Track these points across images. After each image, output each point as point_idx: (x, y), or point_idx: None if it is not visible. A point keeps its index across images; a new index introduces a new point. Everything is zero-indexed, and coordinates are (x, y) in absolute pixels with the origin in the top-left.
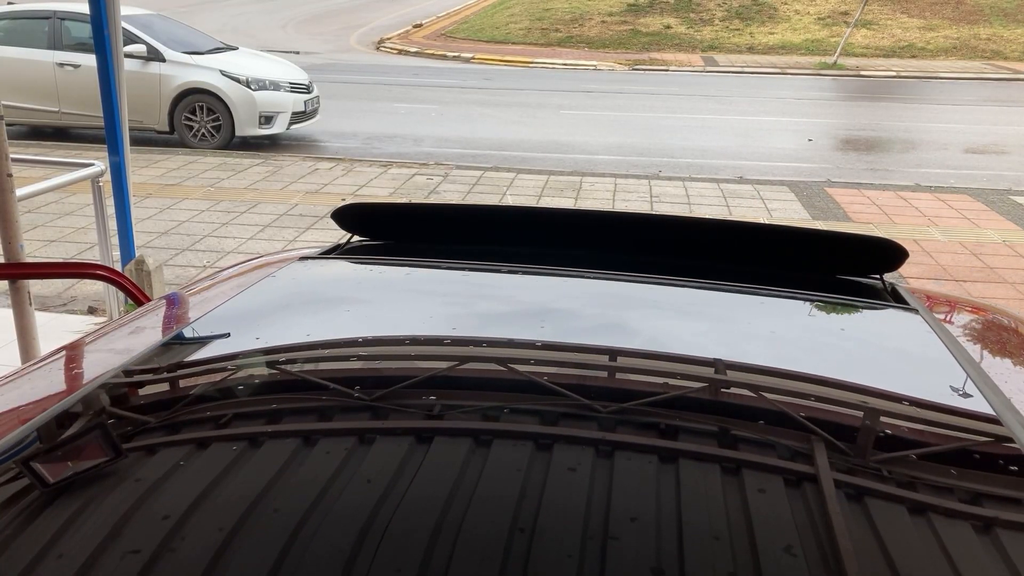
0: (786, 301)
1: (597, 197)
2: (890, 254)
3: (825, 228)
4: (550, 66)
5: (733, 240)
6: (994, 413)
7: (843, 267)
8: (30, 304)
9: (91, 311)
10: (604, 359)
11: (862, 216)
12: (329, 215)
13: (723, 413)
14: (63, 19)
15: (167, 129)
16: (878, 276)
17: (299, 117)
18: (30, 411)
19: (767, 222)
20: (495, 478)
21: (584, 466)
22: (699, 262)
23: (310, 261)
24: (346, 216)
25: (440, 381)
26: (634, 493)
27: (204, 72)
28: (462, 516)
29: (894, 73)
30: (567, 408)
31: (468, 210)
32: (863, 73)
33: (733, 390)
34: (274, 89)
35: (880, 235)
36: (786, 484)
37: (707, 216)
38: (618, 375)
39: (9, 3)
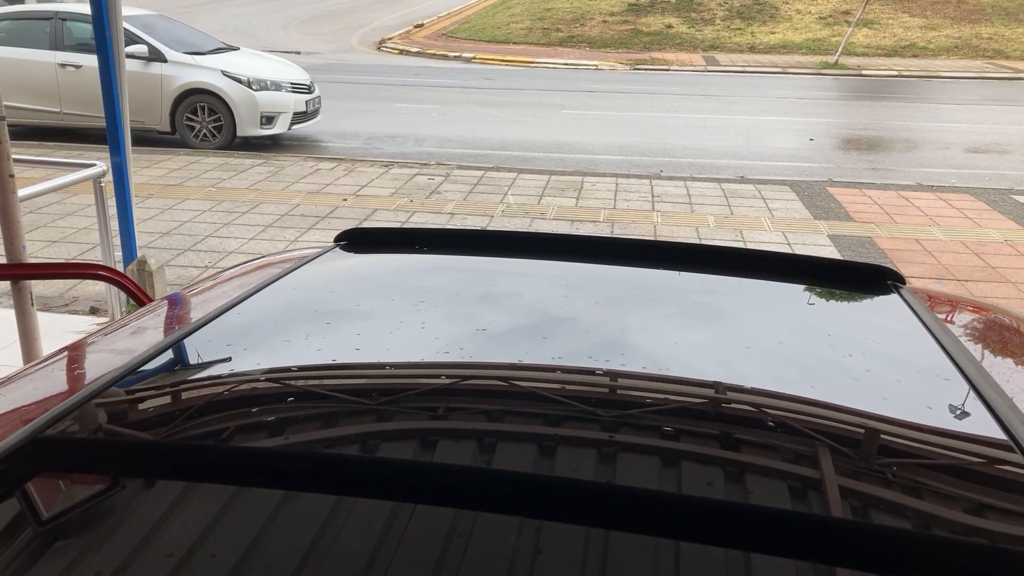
0: (785, 301)
1: (598, 197)
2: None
3: (828, 256)
4: (551, 66)
5: (722, 266)
6: (996, 413)
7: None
8: (32, 304)
9: (93, 311)
10: (606, 379)
11: (864, 215)
12: (329, 214)
13: (727, 419)
14: (64, 20)
15: (168, 129)
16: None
17: (300, 117)
18: (32, 412)
19: (757, 249)
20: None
21: (587, 470)
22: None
23: (312, 264)
24: (349, 241)
25: (439, 398)
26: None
27: (205, 72)
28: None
29: (895, 72)
30: (573, 414)
31: (474, 236)
32: (864, 72)
33: (732, 400)
34: (275, 89)
35: (874, 263)
36: (791, 488)
37: (692, 241)
38: (619, 392)
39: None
